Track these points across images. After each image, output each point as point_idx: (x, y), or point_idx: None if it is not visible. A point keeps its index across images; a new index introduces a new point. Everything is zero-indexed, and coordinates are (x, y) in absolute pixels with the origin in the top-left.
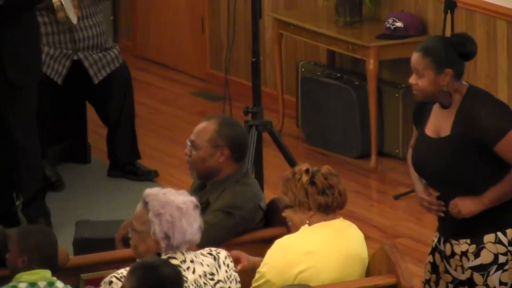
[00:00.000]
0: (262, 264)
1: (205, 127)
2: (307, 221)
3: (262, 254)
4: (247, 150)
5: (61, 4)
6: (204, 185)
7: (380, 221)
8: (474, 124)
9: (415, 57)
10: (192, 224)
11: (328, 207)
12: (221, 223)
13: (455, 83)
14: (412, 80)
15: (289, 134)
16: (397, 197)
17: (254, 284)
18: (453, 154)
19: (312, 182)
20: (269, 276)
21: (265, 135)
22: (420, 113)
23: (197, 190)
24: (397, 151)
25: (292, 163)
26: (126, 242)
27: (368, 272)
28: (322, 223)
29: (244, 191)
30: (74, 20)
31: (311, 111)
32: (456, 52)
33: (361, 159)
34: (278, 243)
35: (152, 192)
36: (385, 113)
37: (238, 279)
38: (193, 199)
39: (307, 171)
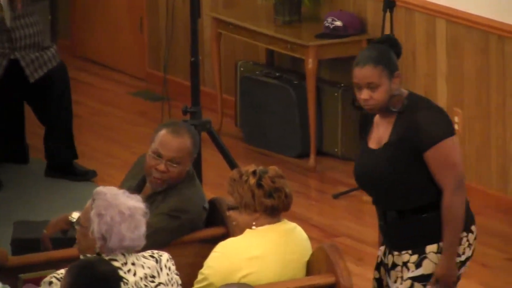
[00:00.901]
0: (205, 267)
1: (183, 143)
2: (254, 223)
3: (201, 254)
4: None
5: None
6: (145, 182)
7: (319, 221)
8: (412, 129)
9: (365, 70)
10: (133, 230)
11: (275, 209)
12: (167, 227)
13: (400, 84)
14: (365, 95)
15: (228, 133)
16: (336, 196)
17: (196, 286)
18: (390, 161)
19: (259, 184)
20: (212, 279)
21: (204, 135)
22: (365, 127)
23: (138, 189)
24: (336, 150)
25: (231, 162)
26: (55, 242)
27: (308, 271)
28: (267, 227)
29: (191, 194)
30: (8, 22)
31: (250, 111)
32: (393, 53)
33: (300, 159)
34: (222, 247)
35: (103, 190)
36: (324, 112)
37: (180, 282)
38: (142, 206)
39: (254, 173)
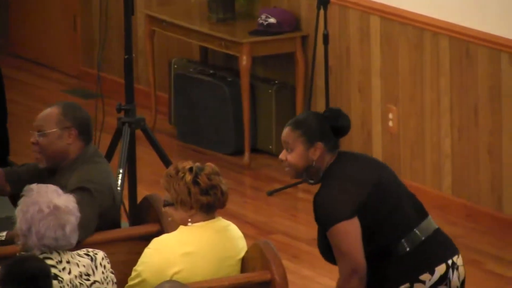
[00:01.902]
0: (138, 263)
1: (49, 112)
2: (189, 220)
3: (136, 252)
4: (93, 132)
5: None
6: (53, 172)
7: (254, 218)
8: (314, 208)
9: (285, 131)
10: (55, 229)
11: (210, 207)
12: (81, 202)
13: (326, 157)
14: (282, 155)
15: (162, 131)
16: (270, 193)
17: (130, 283)
18: (320, 236)
19: (195, 182)
20: (145, 275)
21: (138, 133)
22: None
23: (45, 178)
24: (270, 147)
25: (165, 160)
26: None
27: (243, 269)
28: (202, 224)
29: (93, 167)
30: None
31: (184, 108)
32: (328, 125)
33: (235, 156)
34: (155, 242)
35: (33, 188)
36: (258, 110)
37: (115, 280)
38: (69, 204)
39: (190, 169)
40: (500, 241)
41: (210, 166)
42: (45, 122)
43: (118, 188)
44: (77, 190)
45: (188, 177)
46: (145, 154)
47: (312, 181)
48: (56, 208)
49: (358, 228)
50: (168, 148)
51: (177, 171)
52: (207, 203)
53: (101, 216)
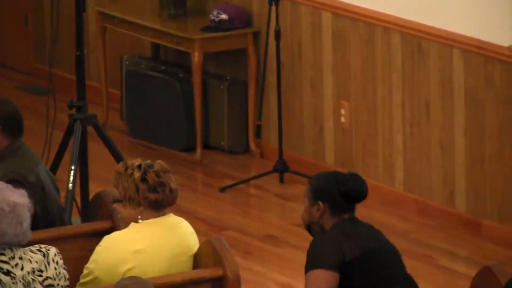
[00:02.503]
0: (90, 261)
1: None
2: (139, 216)
3: (88, 248)
4: (21, 127)
5: None
6: None
7: (206, 214)
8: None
9: None
10: (15, 226)
11: (159, 204)
12: None
13: (330, 220)
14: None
15: (114, 127)
16: (222, 190)
17: (82, 280)
18: None
19: (143, 179)
20: (97, 273)
21: (90, 129)
22: None
23: None
24: (222, 143)
25: (117, 156)
26: None
27: (195, 265)
28: (153, 220)
29: (14, 161)
30: None
31: (136, 104)
32: (337, 188)
33: (186, 152)
34: (106, 240)
35: None
36: (210, 106)
37: (67, 276)
38: (25, 200)
39: (139, 167)
40: (452, 237)
41: (159, 163)
42: None
43: (70, 184)
44: (11, 182)
45: (137, 174)
46: (96, 151)
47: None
48: (15, 205)
49: (332, 283)
50: (120, 145)
51: (126, 168)
52: (155, 200)
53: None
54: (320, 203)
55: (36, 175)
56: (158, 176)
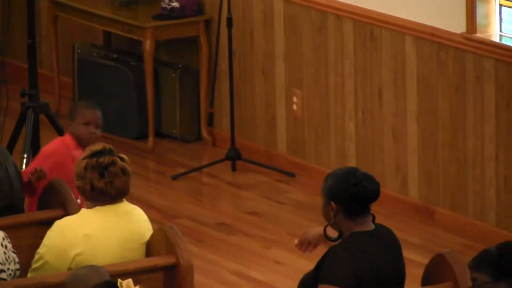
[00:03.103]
0: (41, 246)
1: None
2: (92, 205)
3: (40, 236)
4: None
5: None
6: None
7: (159, 202)
8: (323, 261)
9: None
10: None
11: (108, 194)
12: None
13: (345, 221)
14: None
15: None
16: (175, 178)
17: (33, 266)
18: (312, 276)
19: (94, 167)
20: (47, 257)
21: (42, 117)
22: None
23: None
24: (174, 131)
25: None
26: None
27: (148, 253)
28: (104, 207)
29: None
30: None
31: (88, 93)
32: (347, 189)
33: (139, 140)
34: (57, 225)
35: None
36: (162, 94)
37: (17, 260)
38: None
39: (92, 155)
40: (404, 225)
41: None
42: None
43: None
44: None
45: (89, 164)
46: (49, 139)
47: (331, 238)
48: None
49: None
50: None
51: (83, 158)
52: (104, 190)
53: None
54: (333, 203)
55: (4, 170)
56: (112, 163)
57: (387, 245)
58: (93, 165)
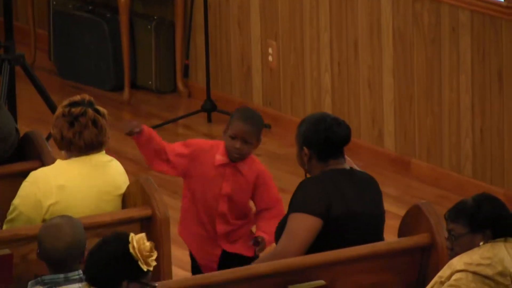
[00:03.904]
0: (16, 197)
1: None
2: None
3: (16, 188)
4: None
5: None
6: None
7: (134, 153)
8: (294, 194)
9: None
10: None
11: (88, 146)
12: None
13: (318, 165)
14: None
15: (42, 68)
16: None
17: (8, 217)
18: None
19: (65, 116)
20: (22, 208)
21: (18, 70)
22: None
23: None
24: (150, 83)
25: (45, 96)
26: None
27: (124, 205)
28: (80, 158)
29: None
30: None
31: (64, 45)
32: (318, 134)
33: (114, 92)
34: (32, 176)
35: None
36: (138, 46)
37: None
38: None
39: (68, 105)
40: (380, 176)
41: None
42: None
43: None
44: None
45: (63, 113)
46: (25, 91)
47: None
48: None
49: (314, 230)
50: (48, 85)
51: (59, 111)
52: (83, 143)
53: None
54: (306, 149)
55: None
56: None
57: (362, 185)
58: (65, 114)
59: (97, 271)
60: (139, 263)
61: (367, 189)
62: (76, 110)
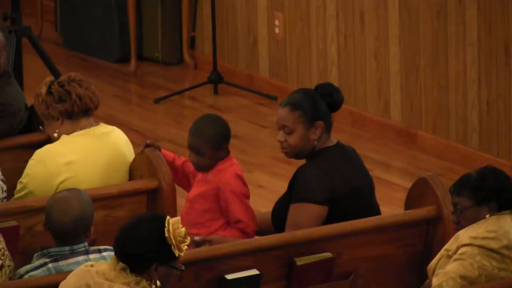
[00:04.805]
0: (23, 175)
1: None
2: (57, 130)
3: (23, 159)
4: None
5: None
6: None
7: (140, 125)
8: (294, 179)
9: (282, 112)
10: None
11: (71, 112)
12: None
13: (323, 137)
14: (280, 137)
15: (48, 39)
16: (157, 101)
17: (16, 195)
18: (283, 201)
19: (49, 92)
20: (31, 187)
21: (25, 41)
22: None
23: None
24: (156, 54)
25: (52, 68)
26: None
27: (130, 177)
28: (83, 132)
29: (11, 90)
30: None
31: (70, 16)
32: (324, 103)
33: (121, 63)
34: (38, 154)
35: None
36: (144, 17)
37: (5, 188)
38: None
39: (46, 83)
40: (386, 148)
41: (67, 74)
42: None
43: None
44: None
45: (43, 90)
46: (31, 63)
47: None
48: None
49: (319, 218)
50: (54, 57)
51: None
52: (66, 110)
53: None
54: (319, 122)
55: (21, 107)
56: (61, 85)
57: (352, 157)
58: (49, 92)
59: (129, 249)
60: (172, 247)
61: (356, 159)
62: (55, 87)
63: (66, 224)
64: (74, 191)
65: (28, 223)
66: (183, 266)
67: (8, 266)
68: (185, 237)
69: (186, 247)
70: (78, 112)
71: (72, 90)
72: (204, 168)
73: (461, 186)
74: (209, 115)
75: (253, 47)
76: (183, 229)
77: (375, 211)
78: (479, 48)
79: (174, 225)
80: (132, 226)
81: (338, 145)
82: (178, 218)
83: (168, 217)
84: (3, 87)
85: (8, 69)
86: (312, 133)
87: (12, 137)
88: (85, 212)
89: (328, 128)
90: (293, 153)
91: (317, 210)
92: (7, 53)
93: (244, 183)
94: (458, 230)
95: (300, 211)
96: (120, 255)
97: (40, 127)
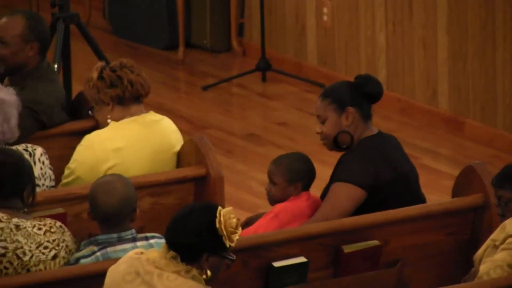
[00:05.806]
0: (71, 160)
1: (12, 22)
2: (109, 116)
3: (70, 147)
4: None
5: None
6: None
7: (188, 113)
8: (337, 165)
9: (317, 103)
10: (1, 123)
11: (122, 98)
12: (24, 118)
13: (359, 125)
14: (318, 128)
15: (96, 26)
16: (205, 88)
17: (64, 180)
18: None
19: (100, 77)
20: (79, 172)
21: (73, 28)
22: None
23: None
24: (204, 42)
25: (100, 55)
26: None
27: (178, 164)
28: (132, 119)
29: (45, 87)
30: None
31: (118, 3)
32: (359, 92)
33: (169, 51)
34: (87, 139)
35: None
36: (192, 4)
37: (53, 176)
38: (12, 98)
39: (97, 68)
40: (434, 136)
41: (119, 60)
42: (7, 32)
43: None
44: (25, 108)
45: (95, 75)
46: (79, 50)
47: (343, 146)
48: (3, 102)
49: (358, 200)
50: (102, 43)
51: (90, 73)
52: (117, 95)
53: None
54: (350, 108)
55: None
56: (113, 71)
57: (395, 145)
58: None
59: (180, 239)
60: (223, 238)
61: (399, 147)
62: (107, 72)
63: (112, 206)
64: (116, 175)
65: (76, 210)
66: (234, 256)
67: (63, 257)
68: (236, 228)
69: (237, 237)
70: (129, 98)
71: (124, 76)
72: (273, 200)
73: (503, 179)
74: (299, 153)
75: (301, 34)
76: (235, 220)
77: (421, 199)
78: None
79: (225, 216)
80: (184, 216)
81: (379, 134)
82: (230, 208)
83: (219, 208)
84: (36, 84)
85: (44, 64)
86: (343, 119)
87: (59, 126)
88: (129, 193)
89: (364, 117)
90: (331, 144)
91: (358, 192)
92: (37, 44)
93: (288, 223)
94: (502, 222)
95: (340, 190)
96: (171, 245)
97: (90, 111)
